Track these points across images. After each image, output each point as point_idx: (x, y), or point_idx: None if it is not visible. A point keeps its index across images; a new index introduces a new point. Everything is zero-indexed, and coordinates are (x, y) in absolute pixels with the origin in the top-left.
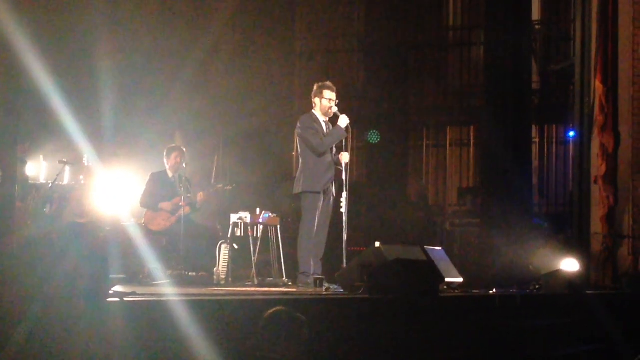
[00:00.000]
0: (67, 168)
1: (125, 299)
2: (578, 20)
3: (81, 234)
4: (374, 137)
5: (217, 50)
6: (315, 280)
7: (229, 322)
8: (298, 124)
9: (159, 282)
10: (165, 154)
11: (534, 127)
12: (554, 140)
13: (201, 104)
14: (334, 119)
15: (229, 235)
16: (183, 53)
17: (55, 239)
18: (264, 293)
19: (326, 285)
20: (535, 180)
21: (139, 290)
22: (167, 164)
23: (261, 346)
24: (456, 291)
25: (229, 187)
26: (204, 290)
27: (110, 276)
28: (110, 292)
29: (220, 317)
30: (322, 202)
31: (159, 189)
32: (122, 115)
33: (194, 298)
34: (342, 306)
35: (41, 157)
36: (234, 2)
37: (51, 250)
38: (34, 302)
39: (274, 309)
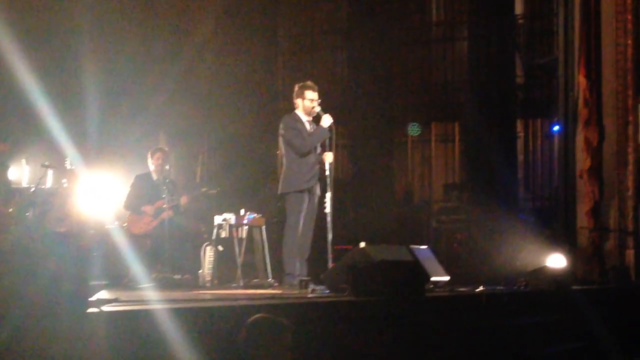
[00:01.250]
0: (50, 172)
1: (105, 308)
2: (561, 14)
3: (63, 240)
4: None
5: (202, 53)
6: (301, 281)
7: (214, 329)
8: (281, 125)
9: (143, 285)
10: (149, 155)
11: (518, 121)
12: (539, 134)
13: (186, 106)
14: (317, 118)
15: (213, 237)
16: (168, 56)
17: (38, 243)
18: (249, 296)
19: (312, 286)
20: (520, 174)
21: (122, 295)
22: (151, 166)
23: (245, 354)
24: (442, 290)
25: (213, 191)
26: (188, 294)
27: (93, 283)
28: (92, 299)
29: (205, 323)
30: (306, 202)
31: (143, 192)
32: (107, 118)
33: (177, 305)
34: (327, 309)
35: (23, 160)
36: (218, 5)
37: (33, 254)
38: (15, 306)
39: (256, 316)
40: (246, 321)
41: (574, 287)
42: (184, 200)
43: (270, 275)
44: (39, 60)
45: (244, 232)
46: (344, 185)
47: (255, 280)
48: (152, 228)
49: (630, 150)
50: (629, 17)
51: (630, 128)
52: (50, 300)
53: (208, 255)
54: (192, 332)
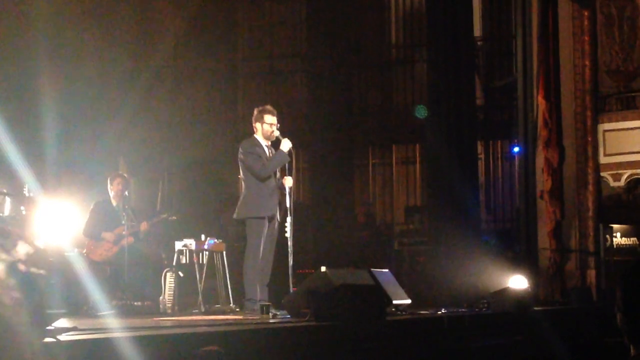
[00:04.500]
0: (8, 199)
1: (63, 337)
2: (519, 36)
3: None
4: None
5: (161, 77)
6: (262, 306)
7: (174, 356)
8: (240, 149)
9: (103, 313)
10: (108, 181)
11: (479, 143)
12: (499, 155)
13: (145, 131)
14: (276, 143)
15: (174, 263)
16: (126, 80)
17: None
18: (210, 322)
19: (273, 311)
20: (482, 196)
21: (81, 323)
22: (110, 192)
23: None
24: (404, 313)
25: (173, 218)
26: (149, 321)
27: (51, 311)
28: (50, 327)
29: (166, 351)
30: (266, 227)
31: (103, 218)
32: (65, 144)
33: (137, 333)
34: (288, 334)
35: None
36: (177, 29)
37: None
38: None
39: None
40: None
41: (536, 308)
42: (144, 226)
43: (231, 300)
44: None
45: (204, 257)
46: (305, 209)
47: (216, 305)
48: (112, 255)
49: (590, 170)
50: (587, 38)
51: (590, 148)
52: (8, 330)
53: (169, 281)
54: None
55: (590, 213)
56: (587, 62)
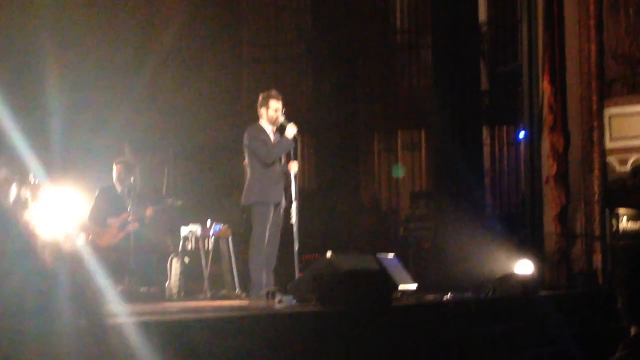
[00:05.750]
0: (14, 185)
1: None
2: (524, 21)
3: (27, 255)
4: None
5: (166, 64)
6: (268, 292)
7: (181, 341)
8: (245, 135)
9: (109, 299)
10: (113, 167)
11: (484, 128)
12: (505, 141)
13: (151, 117)
14: (281, 128)
15: (179, 249)
16: (131, 67)
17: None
18: (216, 308)
19: (279, 297)
20: (487, 181)
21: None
22: (115, 178)
23: None
24: (410, 298)
25: (179, 202)
26: (155, 306)
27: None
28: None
29: (172, 336)
30: (272, 213)
31: (108, 204)
32: (70, 130)
33: (143, 319)
34: (294, 319)
35: None
36: (182, 15)
37: None
38: None
39: None
40: None
41: (542, 293)
42: (149, 212)
43: (237, 286)
44: (0, 74)
45: (210, 243)
46: (310, 194)
47: (222, 291)
48: (117, 240)
49: (595, 155)
50: (592, 22)
51: (596, 133)
52: (14, 318)
53: (174, 267)
54: (159, 346)
55: (596, 197)
56: (592, 47)
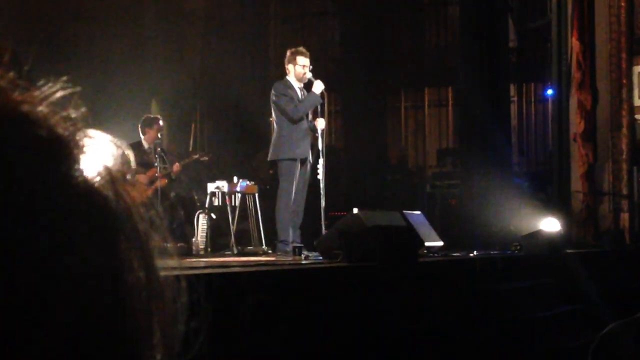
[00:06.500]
0: None
1: None
2: None
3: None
4: None
5: (193, 20)
6: (294, 248)
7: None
8: (272, 91)
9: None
10: (142, 124)
11: (512, 85)
12: (532, 98)
13: (177, 73)
14: (308, 85)
15: (206, 205)
16: (159, 23)
17: None
18: (243, 263)
19: (305, 253)
20: (514, 139)
21: None
22: (144, 135)
23: None
24: (436, 255)
25: (205, 158)
26: (182, 261)
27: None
28: None
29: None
30: (298, 169)
31: (135, 161)
32: (98, 87)
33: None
34: (320, 275)
35: None
36: None
37: None
38: None
39: None
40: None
41: (568, 251)
42: (176, 167)
43: (263, 242)
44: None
45: (237, 199)
46: (337, 151)
47: (248, 247)
48: (145, 197)
49: (624, 113)
50: None
51: (624, 91)
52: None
53: (201, 223)
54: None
55: (624, 156)
56: (622, 3)
